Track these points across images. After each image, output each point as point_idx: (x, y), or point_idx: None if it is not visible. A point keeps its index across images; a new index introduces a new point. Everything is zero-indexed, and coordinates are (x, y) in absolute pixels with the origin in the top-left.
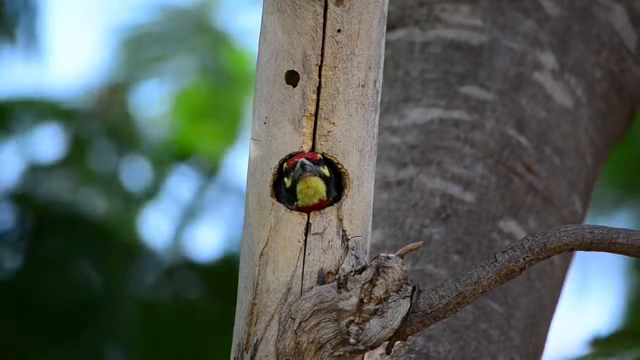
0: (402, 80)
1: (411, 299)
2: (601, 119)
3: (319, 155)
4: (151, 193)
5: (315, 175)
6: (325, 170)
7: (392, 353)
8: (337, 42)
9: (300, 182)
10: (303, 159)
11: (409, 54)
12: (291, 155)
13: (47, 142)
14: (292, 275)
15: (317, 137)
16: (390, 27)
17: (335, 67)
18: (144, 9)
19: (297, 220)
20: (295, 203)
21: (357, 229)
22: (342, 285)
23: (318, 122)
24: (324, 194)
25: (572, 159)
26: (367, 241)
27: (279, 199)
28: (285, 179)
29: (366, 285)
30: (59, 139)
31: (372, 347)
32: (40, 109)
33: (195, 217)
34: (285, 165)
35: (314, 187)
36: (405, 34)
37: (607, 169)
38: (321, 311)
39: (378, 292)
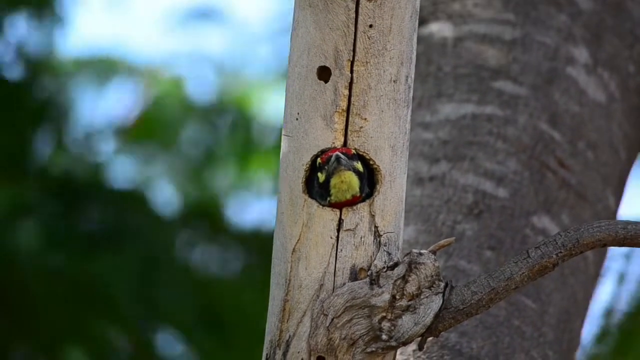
0: (434, 76)
1: (443, 295)
2: (635, 113)
3: (353, 150)
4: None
5: (350, 169)
6: (359, 166)
7: (424, 349)
8: (369, 38)
9: (334, 177)
10: (338, 153)
11: (441, 49)
12: (323, 151)
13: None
14: (325, 272)
15: (349, 132)
16: (423, 22)
17: (367, 63)
18: None
19: (329, 216)
20: (328, 199)
21: (390, 225)
22: (374, 282)
23: (350, 118)
24: (357, 189)
25: (606, 154)
26: (399, 237)
27: (311, 195)
28: (319, 174)
29: (398, 282)
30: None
31: (405, 344)
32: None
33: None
34: (319, 160)
35: (348, 181)
36: (437, 29)
37: None
38: (353, 307)
39: (410, 288)
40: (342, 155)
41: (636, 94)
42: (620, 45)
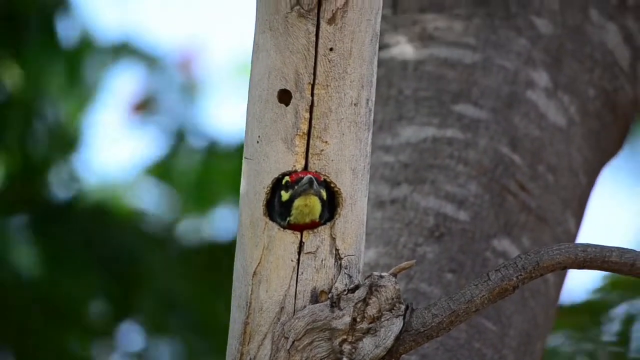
0: (395, 99)
1: (404, 318)
2: (594, 137)
3: (323, 178)
4: None
5: (316, 195)
6: (324, 193)
7: None
8: (329, 61)
9: (300, 198)
10: (311, 176)
11: (402, 72)
12: (285, 174)
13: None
14: (285, 295)
15: (309, 155)
16: (384, 45)
17: (327, 86)
18: None
19: (290, 239)
20: (288, 219)
21: (350, 248)
22: (335, 304)
23: (311, 141)
24: (318, 216)
25: (566, 177)
26: (360, 260)
27: (272, 218)
28: (283, 192)
29: (359, 304)
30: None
31: None
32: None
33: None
34: (287, 178)
35: (311, 206)
36: (398, 52)
37: None
38: (314, 330)
39: (371, 311)
40: (315, 180)
41: (596, 117)
42: (580, 69)
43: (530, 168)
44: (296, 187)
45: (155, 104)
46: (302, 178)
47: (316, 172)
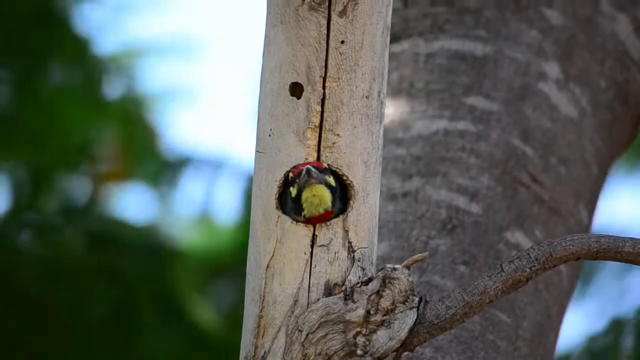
0: (407, 92)
1: (418, 310)
2: (606, 128)
3: (325, 165)
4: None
5: (321, 183)
6: (331, 180)
7: None
8: (340, 54)
9: (306, 190)
10: (309, 166)
11: (413, 65)
12: (296, 166)
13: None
14: (299, 287)
15: (322, 148)
16: (395, 38)
17: (339, 79)
18: None
19: (303, 232)
20: (303, 214)
21: (363, 241)
22: (348, 297)
23: (323, 134)
24: (330, 203)
25: (578, 169)
26: (373, 252)
27: (284, 212)
28: (291, 188)
29: (373, 297)
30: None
31: (380, 359)
32: None
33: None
34: (290, 174)
35: (320, 195)
36: (409, 45)
37: None
38: (328, 323)
39: (385, 303)
40: (312, 169)
41: (607, 109)
42: (591, 60)
43: (542, 160)
44: (297, 180)
45: None
46: (302, 170)
47: (318, 161)
